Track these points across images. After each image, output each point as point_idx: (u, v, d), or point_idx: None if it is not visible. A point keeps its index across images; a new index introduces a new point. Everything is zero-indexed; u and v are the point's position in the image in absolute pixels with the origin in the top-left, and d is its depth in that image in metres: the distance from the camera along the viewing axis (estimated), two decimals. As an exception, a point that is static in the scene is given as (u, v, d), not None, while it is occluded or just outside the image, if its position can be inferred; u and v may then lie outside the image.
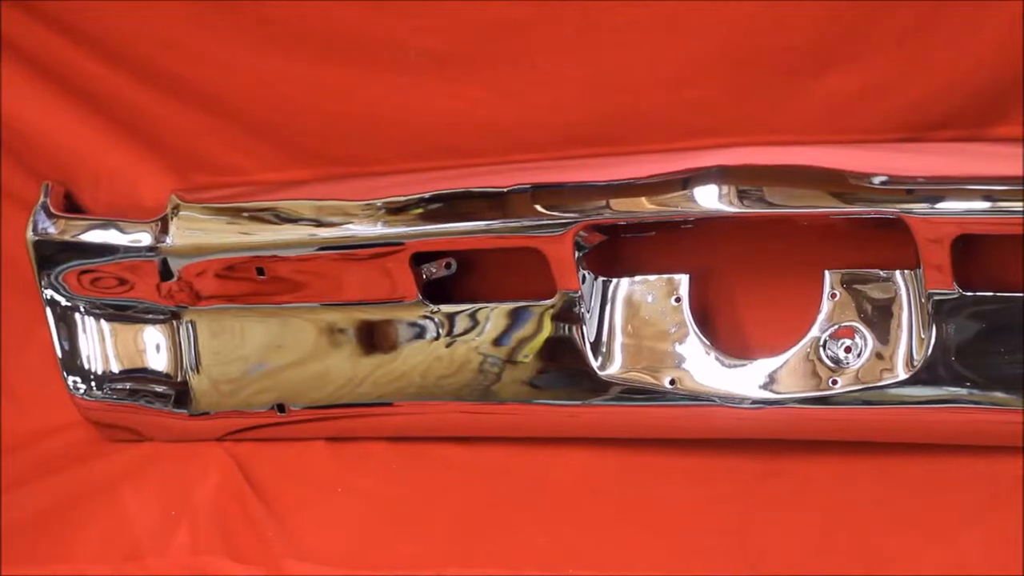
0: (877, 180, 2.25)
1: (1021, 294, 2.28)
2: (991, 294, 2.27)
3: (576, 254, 2.42)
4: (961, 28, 2.25)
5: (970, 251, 2.28)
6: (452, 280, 2.59)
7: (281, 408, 2.67)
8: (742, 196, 2.30)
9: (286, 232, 2.59)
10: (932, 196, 2.23)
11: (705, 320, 2.46)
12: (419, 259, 2.54)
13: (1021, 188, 2.21)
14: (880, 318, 2.31)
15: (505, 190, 2.44)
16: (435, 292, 2.58)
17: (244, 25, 2.58)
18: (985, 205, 2.21)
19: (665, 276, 2.47)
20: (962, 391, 2.29)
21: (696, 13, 2.35)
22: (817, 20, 2.30)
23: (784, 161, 2.34)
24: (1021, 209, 2.20)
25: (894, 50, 2.29)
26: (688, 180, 2.35)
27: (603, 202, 2.39)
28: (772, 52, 2.33)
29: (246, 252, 2.61)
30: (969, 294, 2.27)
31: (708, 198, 2.33)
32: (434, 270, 2.55)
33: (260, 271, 2.60)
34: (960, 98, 2.29)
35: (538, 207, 2.42)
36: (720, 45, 2.36)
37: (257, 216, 2.63)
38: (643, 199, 2.38)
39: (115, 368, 2.78)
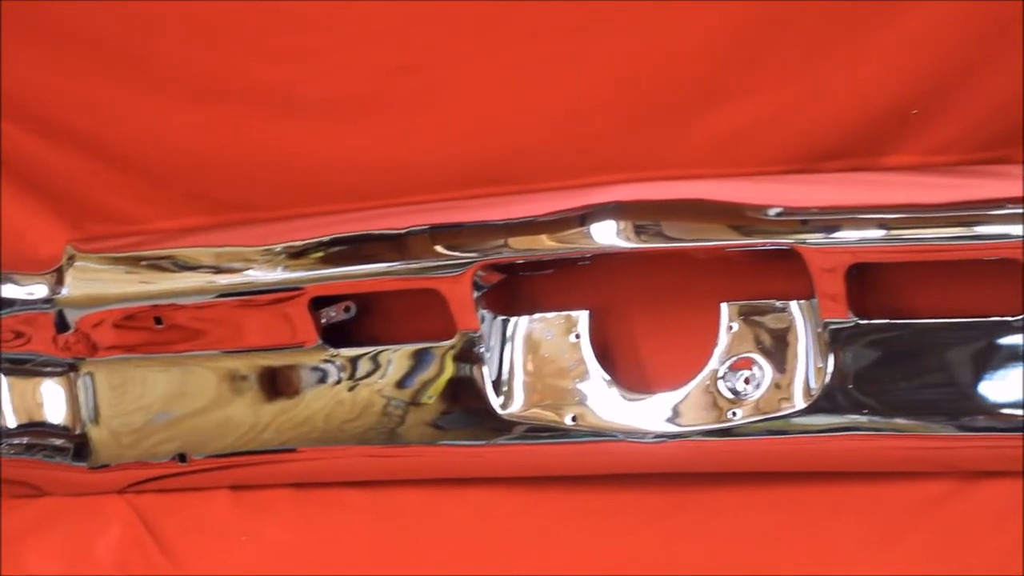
0: (772, 212, 2.27)
1: (916, 321, 2.26)
2: (886, 322, 2.29)
3: (475, 294, 2.40)
4: (849, 58, 2.28)
5: (864, 279, 2.28)
6: (353, 323, 2.56)
7: (183, 458, 2.64)
8: (639, 231, 2.31)
9: (184, 280, 2.57)
10: (826, 226, 2.25)
11: (605, 355, 2.46)
12: (318, 303, 2.50)
13: (913, 216, 2.19)
14: (778, 348, 2.32)
15: (402, 232, 2.44)
16: (336, 336, 2.55)
17: (134, 74, 2.57)
18: (878, 233, 2.23)
19: (564, 313, 2.46)
20: (861, 418, 2.30)
21: (587, 50, 2.36)
22: (707, 54, 2.31)
23: (679, 195, 2.35)
24: (914, 236, 2.18)
25: (784, 82, 2.31)
26: (585, 217, 2.35)
27: (501, 241, 2.39)
28: (664, 87, 2.35)
29: (144, 301, 2.59)
30: (864, 322, 2.28)
31: (605, 234, 2.33)
32: (333, 314, 2.53)
33: (158, 320, 2.58)
34: (850, 128, 2.31)
35: (436, 248, 2.42)
36: (612, 81, 2.37)
37: (155, 264, 2.60)
38: (541, 237, 2.38)
39: (12, 423, 2.74)
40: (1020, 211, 2.17)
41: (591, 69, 2.36)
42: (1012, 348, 2.26)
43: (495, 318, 2.46)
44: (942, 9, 2.21)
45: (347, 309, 2.55)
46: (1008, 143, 2.27)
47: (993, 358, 2.26)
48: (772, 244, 2.27)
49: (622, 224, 2.32)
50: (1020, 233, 2.17)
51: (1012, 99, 2.24)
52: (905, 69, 2.24)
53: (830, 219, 2.25)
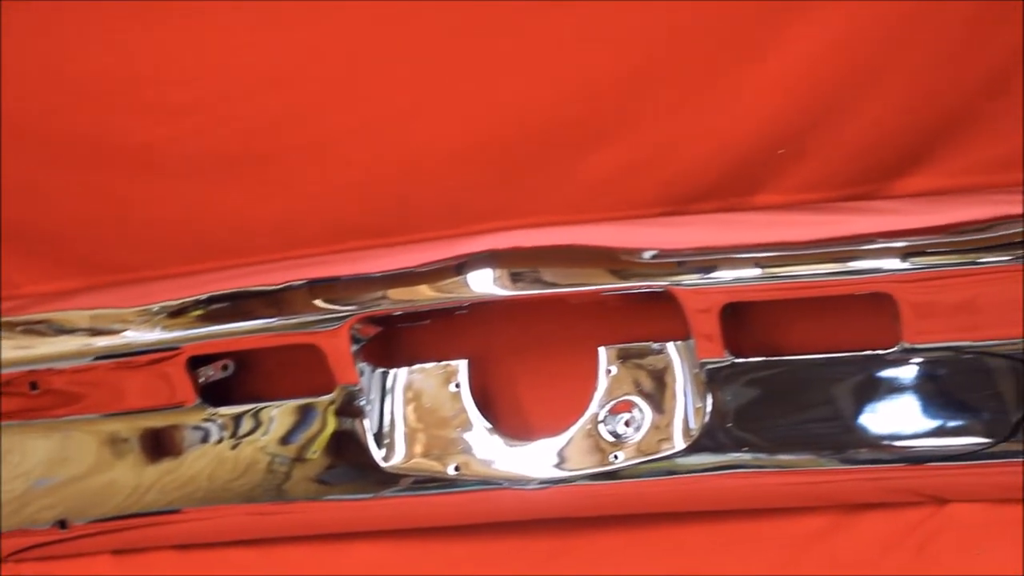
0: (647, 255, 2.28)
1: (792, 357, 2.29)
2: (762, 359, 2.31)
3: (353, 347, 2.39)
4: (715, 101, 2.30)
5: (740, 318, 2.31)
6: (232, 381, 2.53)
7: (63, 524, 2.59)
8: (515, 279, 2.32)
9: (60, 344, 2.54)
10: (699, 267, 2.28)
11: (486, 404, 2.46)
12: (196, 362, 2.48)
13: (785, 254, 2.23)
14: (656, 390, 2.34)
15: (279, 287, 2.43)
16: (215, 394, 2.52)
17: (6, 137, 2.52)
18: (751, 272, 2.26)
19: (443, 363, 2.47)
20: (742, 456, 2.32)
21: (458, 100, 2.37)
22: (577, 101, 2.33)
23: (554, 241, 2.36)
24: (786, 274, 2.21)
25: (653, 126, 2.34)
26: (461, 266, 2.36)
27: (378, 293, 2.39)
28: (536, 135, 2.37)
29: (20, 367, 2.54)
30: (741, 361, 2.30)
31: (482, 283, 2.34)
32: (211, 372, 2.50)
33: (33, 385, 2.53)
34: (719, 169, 2.34)
35: (312, 302, 2.42)
36: (482, 130, 2.38)
37: (30, 329, 2.57)
38: (418, 288, 2.39)
39: None
40: (890, 245, 2.18)
41: (463, 119, 2.37)
42: (887, 381, 2.29)
43: (374, 370, 2.45)
44: (804, 51, 2.24)
45: (225, 367, 2.53)
46: (873, 179, 2.30)
47: (869, 391, 2.30)
48: (647, 287, 2.26)
49: (498, 272, 2.33)
50: (891, 267, 2.17)
51: (876, 137, 2.28)
52: (770, 110, 2.27)
53: (703, 260, 2.27)
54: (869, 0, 2.20)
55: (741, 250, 2.26)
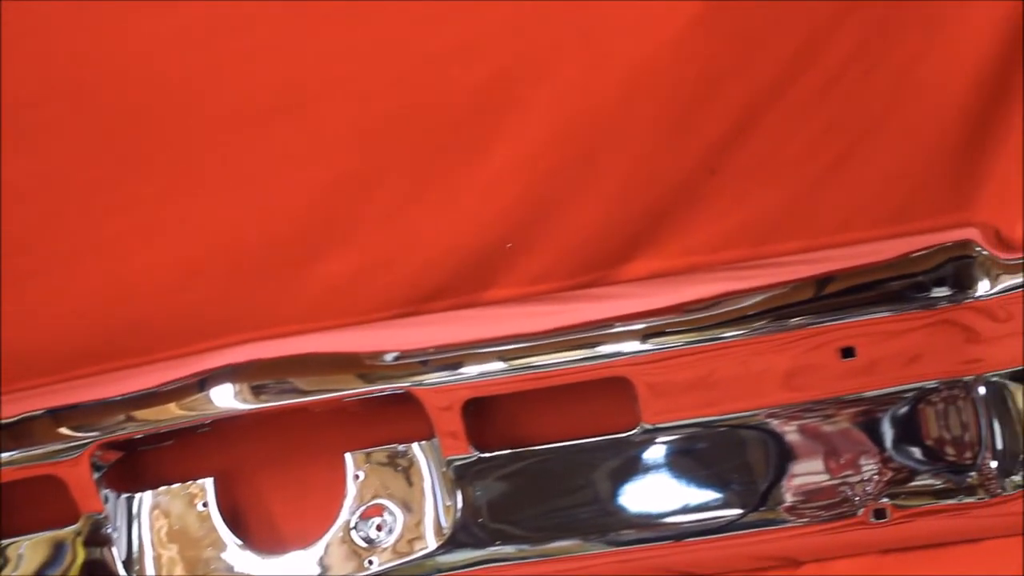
0: (389, 357, 2.28)
1: (537, 447, 2.34)
2: (508, 452, 2.34)
3: (95, 475, 2.34)
4: (440, 201, 2.33)
5: (483, 413, 2.32)
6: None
7: None
8: (257, 391, 2.31)
9: None
10: (438, 366, 2.28)
11: (236, 520, 2.43)
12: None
13: (522, 346, 2.27)
14: (406, 492, 2.34)
15: (15, 420, 2.36)
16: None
17: None
18: (489, 367, 2.29)
19: (189, 483, 2.42)
20: (501, 548, 2.35)
21: (183, 215, 2.36)
22: (303, 209, 2.34)
23: (293, 351, 2.34)
24: (524, 365, 2.24)
25: (382, 229, 2.35)
26: (203, 382, 2.34)
27: (119, 417, 2.36)
28: (262, 246, 2.36)
29: None
30: (487, 455, 2.32)
31: (224, 397, 2.33)
32: (-56, 512, 2.43)
33: None
34: (450, 267, 2.36)
35: (50, 432, 2.35)
36: (209, 246, 2.37)
37: None
38: (160, 408, 2.37)
39: None
40: (622, 329, 2.22)
41: (187, 237, 2.35)
42: (634, 462, 2.35)
43: (119, 496, 2.41)
44: (521, 147, 2.29)
45: (-32, 506, 2.45)
46: (601, 266, 2.34)
47: (619, 473, 2.35)
48: (387, 389, 2.26)
49: (239, 386, 2.31)
50: (624, 351, 2.21)
51: (599, 224, 2.32)
52: (495, 206, 2.31)
53: (444, 358, 2.28)
54: (579, 94, 2.20)
55: (479, 345, 2.28)
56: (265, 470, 2.45)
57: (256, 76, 2.28)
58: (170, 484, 2.43)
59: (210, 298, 2.38)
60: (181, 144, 2.29)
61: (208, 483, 2.41)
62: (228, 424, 2.36)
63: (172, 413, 2.35)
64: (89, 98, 2.30)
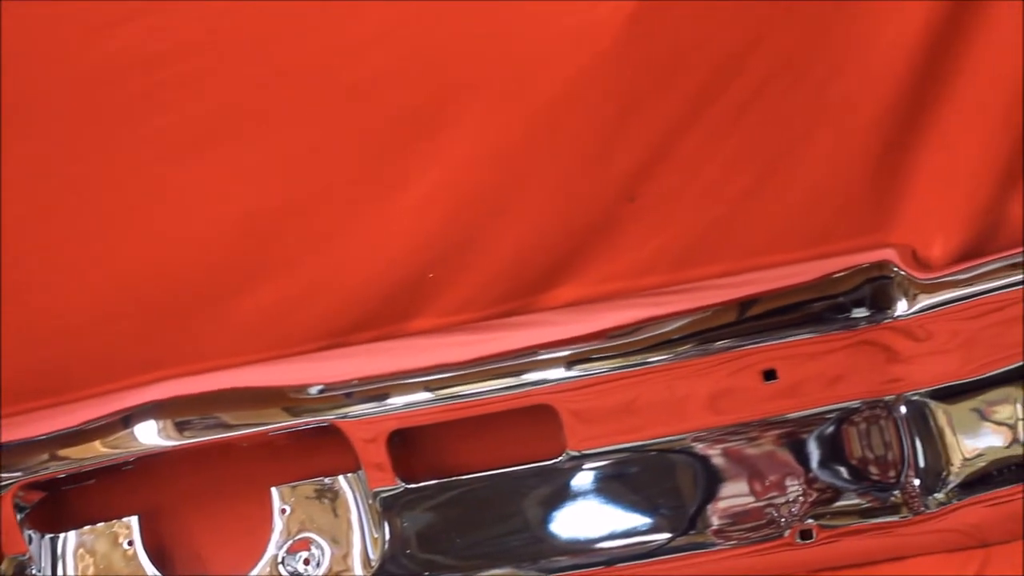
0: (314, 390, 2.27)
1: (463, 477, 2.36)
2: (435, 482, 2.34)
3: (18, 515, 2.32)
4: (360, 234, 2.33)
5: (409, 444, 2.33)
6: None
7: None
8: (181, 427, 2.30)
9: None
10: (366, 397, 2.27)
11: (162, 557, 2.42)
12: None
13: (445, 376, 2.28)
14: (332, 525, 2.34)
15: (-65, 464, 2.34)
16: None
17: None
18: (414, 397, 2.31)
19: (114, 521, 2.40)
20: (427, 579, 2.27)
21: (101, 253, 2.34)
22: (222, 243, 2.33)
23: (218, 386, 2.33)
24: (449, 395, 2.25)
25: (303, 262, 2.35)
26: (127, 419, 2.32)
27: (43, 456, 2.34)
28: (184, 281, 2.35)
29: None
30: (413, 486, 2.31)
31: (148, 435, 2.33)
32: None
33: None
34: (372, 299, 2.35)
35: (-26, 475, 2.32)
36: (130, 283, 2.36)
37: None
38: (84, 446, 2.36)
39: None
40: (545, 357, 2.23)
41: (111, 270, 2.34)
42: (561, 489, 2.37)
43: (43, 537, 2.39)
44: (441, 179, 2.31)
45: None
46: (522, 295, 2.35)
47: (547, 500, 2.36)
48: (313, 422, 2.26)
49: (163, 423, 2.31)
50: (548, 378, 2.24)
51: (520, 253, 2.33)
52: (416, 237, 2.32)
53: (369, 390, 2.28)
54: (499, 124, 2.22)
55: (403, 376, 2.28)
56: (191, 506, 2.43)
57: (179, 107, 2.27)
58: (95, 523, 2.40)
59: (133, 334, 2.37)
60: (102, 178, 2.28)
61: (133, 521, 2.40)
62: (152, 461, 2.35)
63: (96, 451, 2.32)
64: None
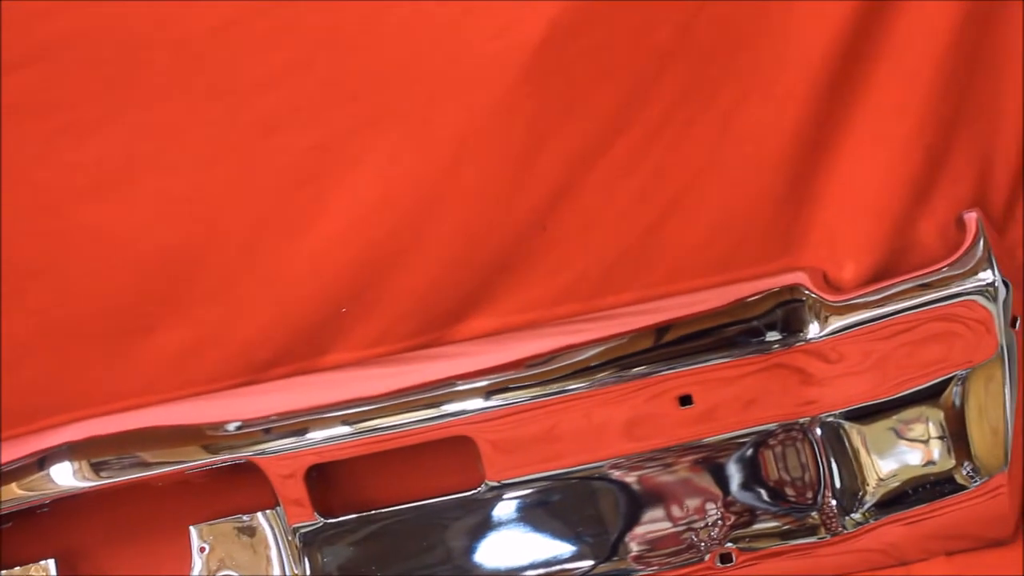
0: (230, 427, 2.27)
1: (383, 510, 2.36)
2: (354, 516, 2.34)
3: (-72, 564, 2.31)
4: (274, 270, 2.36)
5: (327, 479, 2.32)
6: None
7: None
8: (97, 468, 2.28)
9: None
10: (283, 433, 2.27)
11: (86, 602, 2.36)
12: None
13: (362, 409, 2.28)
14: (252, 562, 2.34)
15: None
16: None
17: None
18: (330, 432, 2.30)
19: (30, 565, 2.38)
20: (346, 615, 2.27)
21: (10, 289, 2.31)
22: (137, 280, 2.33)
23: (133, 425, 2.32)
24: (365, 429, 2.27)
25: (212, 300, 2.35)
26: (42, 462, 2.30)
27: (-53, 501, 2.30)
28: (97, 319, 2.33)
29: None
30: (332, 520, 2.31)
31: (63, 476, 2.30)
32: None
33: None
34: (286, 335, 2.36)
35: None
36: (41, 321, 2.35)
37: None
38: None
39: None
40: (461, 388, 2.24)
41: (17, 312, 2.33)
42: (483, 520, 2.38)
43: (-47, 584, 2.36)
44: (349, 214, 2.31)
45: None
46: (436, 327, 2.36)
47: (469, 532, 2.38)
48: (229, 459, 2.25)
49: (78, 464, 2.29)
50: (465, 409, 2.25)
51: (432, 285, 2.34)
52: (327, 272, 2.32)
53: (282, 426, 2.28)
54: (407, 158, 2.24)
55: (319, 411, 2.28)
56: (109, 547, 2.43)
57: (83, 150, 2.25)
58: (11, 568, 2.37)
59: (44, 375, 2.35)
60: (7, 219, 2.24)
61: (50, 564, 2.38)
62: (69, 502, 2.33)
63: (12, 493, 2.31)
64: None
